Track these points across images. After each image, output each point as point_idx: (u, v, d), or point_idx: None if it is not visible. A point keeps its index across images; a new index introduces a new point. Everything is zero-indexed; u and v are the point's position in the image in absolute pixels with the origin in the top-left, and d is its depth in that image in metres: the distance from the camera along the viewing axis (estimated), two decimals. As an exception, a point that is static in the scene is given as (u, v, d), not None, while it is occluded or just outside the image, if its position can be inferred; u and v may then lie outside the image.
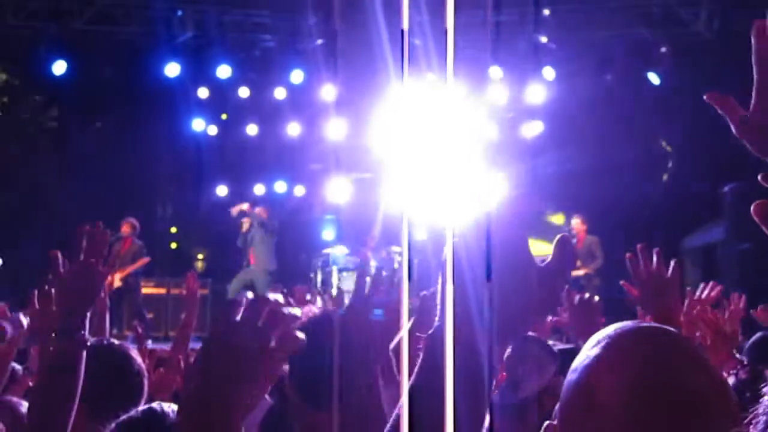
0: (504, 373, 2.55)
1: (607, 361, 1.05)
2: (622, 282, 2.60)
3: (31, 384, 3.54)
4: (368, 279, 1.96)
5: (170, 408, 1.76)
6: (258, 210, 11.24)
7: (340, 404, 1.72)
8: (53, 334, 1.94)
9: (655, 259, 2.50)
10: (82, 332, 1.98)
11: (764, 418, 0.84)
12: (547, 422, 1.09)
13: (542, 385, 2.62)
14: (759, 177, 0.98)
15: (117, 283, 9.84)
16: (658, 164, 11.11)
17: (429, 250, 10.72)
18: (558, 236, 1.14)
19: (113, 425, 1.73)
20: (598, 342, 1.08)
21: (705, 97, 1.07)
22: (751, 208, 0.93)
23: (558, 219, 11.94)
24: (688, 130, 10.88)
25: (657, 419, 1.00)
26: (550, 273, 1.12)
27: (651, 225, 10.86)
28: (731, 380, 2.49)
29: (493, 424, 1.10)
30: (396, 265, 11.04)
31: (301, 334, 1.11)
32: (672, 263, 2.52)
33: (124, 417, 1.74)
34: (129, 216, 10.41)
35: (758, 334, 3.38)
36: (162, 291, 11.28)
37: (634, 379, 1.02)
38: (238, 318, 1.11)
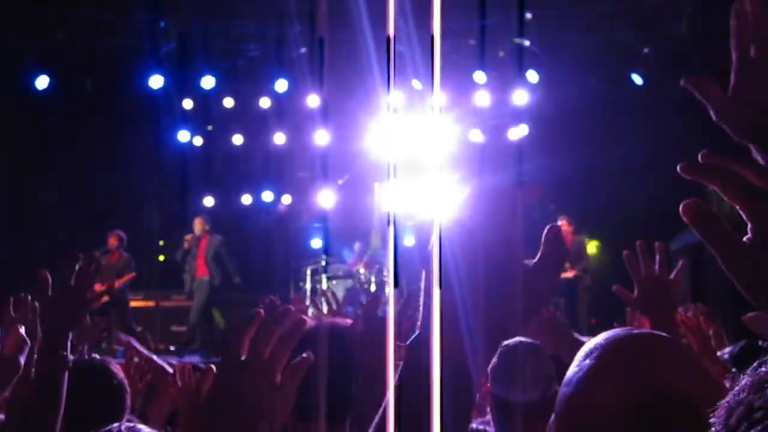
0: (488, 384, 2.46)
1: (602, 372, 1.02)
2: (615, 287, 2.42)
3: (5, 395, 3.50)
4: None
5: (127, 427, 1.75)
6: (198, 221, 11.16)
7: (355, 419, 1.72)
8: (34, 354, 1.93)
9: (658, 257, 2.31)
10: (65, 353, 2.01)
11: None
12: None
13: (541, 395, 2.50)
14: (678, 168, 0.94)
15: (104, 297, 9.78)
16: (644, 164, 11.15)
17: (416, 256, 10.75)
18: (547, 228, 1.07)
19: None
20: (591, 352, 1.05)
21: (682, 81, 1.03)
22: (680, 208, 0.90)
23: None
24: (673, 129, 10.93)
25: (657, 429, 0.97)
26: (541, 268, 1.05)
27: (639, 225, 10.89)
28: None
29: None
30: (385, 272, 11.04)
31: (307, 355, 1.11)
32: (680, 263, 2.39)
33: None
34: (116, 229, 10.36)
35: (743, 342, 3.34)
36: (151, 304, 11.23)
37: (632, 389, 0.99)
38: (244, 358, 1.10)
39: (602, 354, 1.04)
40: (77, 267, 2.10)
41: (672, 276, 2.31)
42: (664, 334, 1.10)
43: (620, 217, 11.05)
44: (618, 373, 1.02)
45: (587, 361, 1.04)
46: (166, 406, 3.66)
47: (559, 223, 11.23)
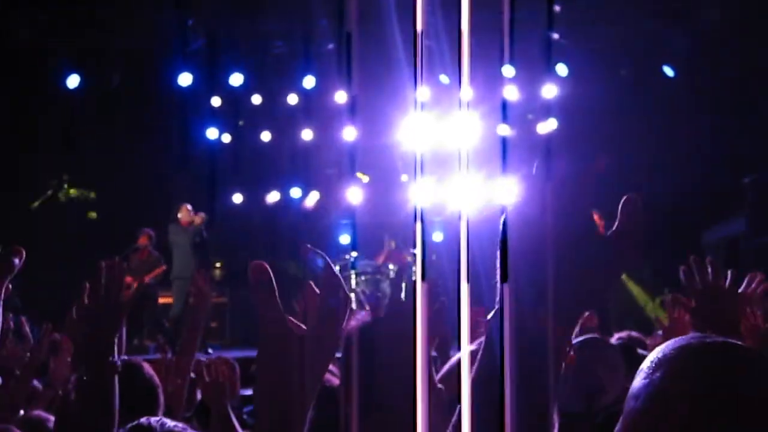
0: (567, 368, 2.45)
1: (674, 386, 0.97)
2: (671, 294, 2.58)
3: (53, 396, 3.56)
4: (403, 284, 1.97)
5: (158, 421, 1.77)
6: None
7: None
8: (82, 361, 1.99)
9: (710, 269, 2.44)
10: (112, 358, 2.04)
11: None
12: None
13: (616, 394, 2.50)
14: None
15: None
16: (676, 158, 11.01)
17: (444, 252, 10.71)
18: (624, 198, 1.06)
19: None
20: (660, 364, 1.00)
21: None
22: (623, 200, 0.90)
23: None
24: (706, 122, 10.79)
25: None
26: (618, 240, 1.03)
27: (672, 219, 10.77)
28: None
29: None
30: (413, 268, 11.02)
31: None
32: (729, 273, 2.47)
33: None
34: (145, 227, 10.45)
35: None
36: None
37: (706, 402, 0.95)
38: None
39: (674, 367, 0.99)
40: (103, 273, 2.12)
41: (727, 285, 2.42)
42: (739, 343, 1.05)
43: (651, 211, 10.90)
44: (693, 387, 0.97)
45: (657, 374, 1.00)
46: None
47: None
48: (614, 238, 1.03)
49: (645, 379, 1.01)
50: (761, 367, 1.00)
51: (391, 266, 11.24)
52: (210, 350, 9.75)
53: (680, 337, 1.05)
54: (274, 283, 1.07)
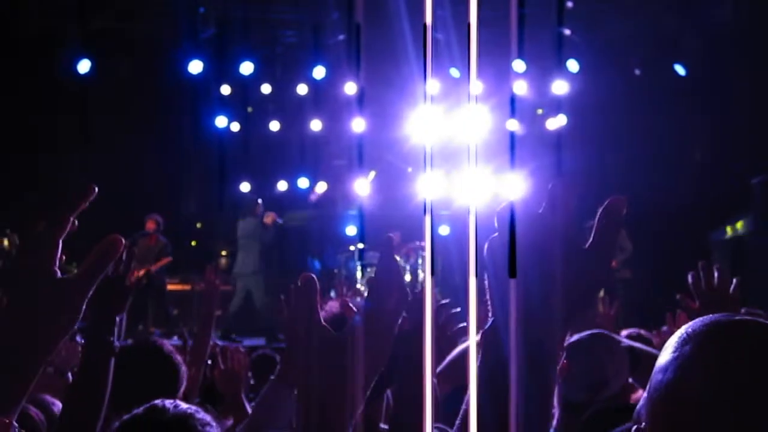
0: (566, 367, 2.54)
1: (703, 359, 0.99)
2: (678, 295, 2.68)
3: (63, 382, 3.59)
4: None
5: (173, 403, 1.79)
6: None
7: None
8: (83, 341, 2.04)
9: (716, 274, 2.58)
10: (111, 339, 2.10)
11: None
12: (634, 427, 1.05)
13: (617, 389, 2.62)
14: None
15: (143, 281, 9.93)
16: (685, 157, 10.98)
17: (452, 245, 10.72)
18: (603, 206, 1.02)
19: (117, 423, 1.76)
20: (689, 338, 1.02)
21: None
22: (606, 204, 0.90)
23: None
24: (716, 122, 10.75)
25: (759, 418, 0.95)
26: (594, 248, 1.01)
27: (679, 218, 10.75)
28: None
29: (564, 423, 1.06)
30: (420, 261, 11.03)
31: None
32: (734, 281, 2.60)
33: (127, 415, 1.78)
34: (153, 213, 10.47)
35: None
36: (187, 287, 11.34)
37: (734, 377, 0.97)
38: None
39: (703, 341, 1.01)
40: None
41: (731, 291, 2.57)
42: (765, 321, 1.06)
43: (660, 208, 10.89)
44: (720, 359, 0.99)
45: (687, 347, 1.01)
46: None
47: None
48: (586, 255, 1.01)
49: (674, 352, 1.03)
50: None
51: (397, 258, 11.24)
52: (234, 337, 9.79)
53: (709, 315, 1.07)
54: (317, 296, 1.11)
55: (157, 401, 1.81)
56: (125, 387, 2.18)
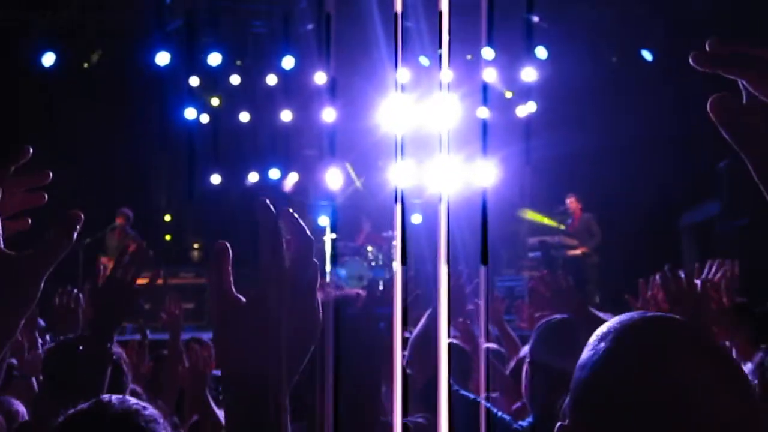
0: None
1: (616, 357, 1.01)
2: (626, 296, 2.72)
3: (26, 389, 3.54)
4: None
5: (120, 398, 1.76)
6: None
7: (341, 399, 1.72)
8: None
9: (683, 275, 2.60)
10: (110, 346, 2.09)
11: None
12: (558, 424, 1.06)
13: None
14: (690, 58, 0.87)
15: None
16: (652, 142, 11.08)
17: (423, 234, 10.73)
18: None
19: (61, 417, 1.73)
20: (605, 336, 1.04)
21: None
22: (708, 104, 0.83)
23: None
24: (681, 107, 10.85)
25: (671, 415, 0.96)
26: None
27: (648, 203, 10.85)
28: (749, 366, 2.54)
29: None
30: (392, 250, 11.04)
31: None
32: (698, 282, 2.61)
33: (72, 409, 1.75)
34: (123, 206, 10.37)
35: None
36: (158, 281, 11.26)
37: (647, 374, 0.98)
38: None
39: (617, 337, 1.03)
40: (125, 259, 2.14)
41: (699, 290, 2.58)
42: (678, 318, 1.09)
43: (629, 194, 11.00)
44: (632, 357, 1.01)
45: (602, 345, 1.03)
46: (176, 386, 3.69)
47: (568, 201, 11.27)
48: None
49: (591, 350, 1.04)
50: (700, 338, 1.03)
51: (369, 248, 11.25)
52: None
53: (627, 313, 1.08)
54: (229, 264, 1.07)
55: (104, 396, 1.78)
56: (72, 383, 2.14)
